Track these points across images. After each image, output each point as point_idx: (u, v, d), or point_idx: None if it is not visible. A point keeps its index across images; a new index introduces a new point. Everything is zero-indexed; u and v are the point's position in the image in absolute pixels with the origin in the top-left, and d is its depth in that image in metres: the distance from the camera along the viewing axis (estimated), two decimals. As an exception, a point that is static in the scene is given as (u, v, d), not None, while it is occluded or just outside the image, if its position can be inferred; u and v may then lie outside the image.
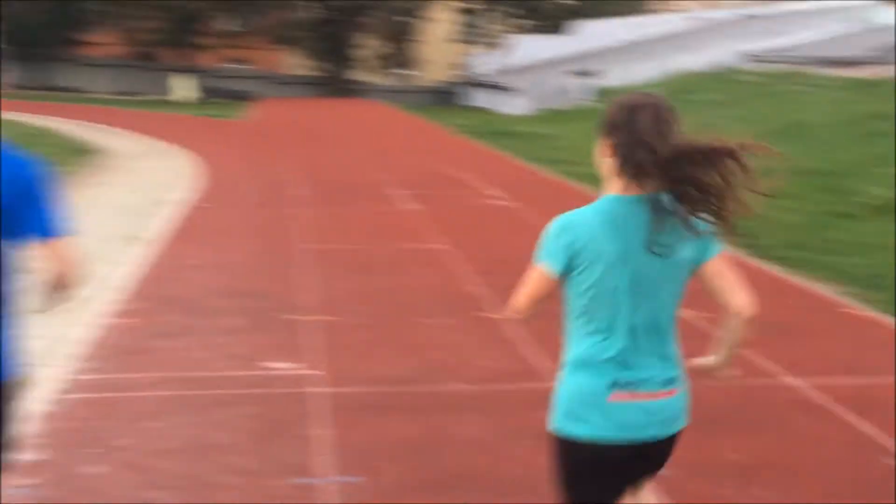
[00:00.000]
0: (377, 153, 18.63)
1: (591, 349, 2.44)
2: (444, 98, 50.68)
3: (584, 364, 2.45)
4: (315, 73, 54.56)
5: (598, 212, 2.43)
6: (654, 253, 2.36)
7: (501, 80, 39.24)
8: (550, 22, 55.10)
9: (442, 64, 59.78)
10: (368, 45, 53.77)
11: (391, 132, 25.07)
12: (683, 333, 2.56)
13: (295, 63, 56.69)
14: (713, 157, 2.40)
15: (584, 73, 35.50)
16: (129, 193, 12.48)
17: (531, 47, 46.97)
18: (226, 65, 54.04)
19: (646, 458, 2.49)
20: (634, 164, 2.37)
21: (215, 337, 5.94)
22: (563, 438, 2.47)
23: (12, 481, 3.82)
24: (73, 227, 2.63)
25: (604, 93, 33.12)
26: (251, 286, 7.37)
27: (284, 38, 52.76)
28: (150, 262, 8.12)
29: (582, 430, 2.41)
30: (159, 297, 6.88)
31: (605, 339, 2.42)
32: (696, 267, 2.44)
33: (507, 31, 55.16)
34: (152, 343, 5.79)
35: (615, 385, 2.40)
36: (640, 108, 2.46)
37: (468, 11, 57.33)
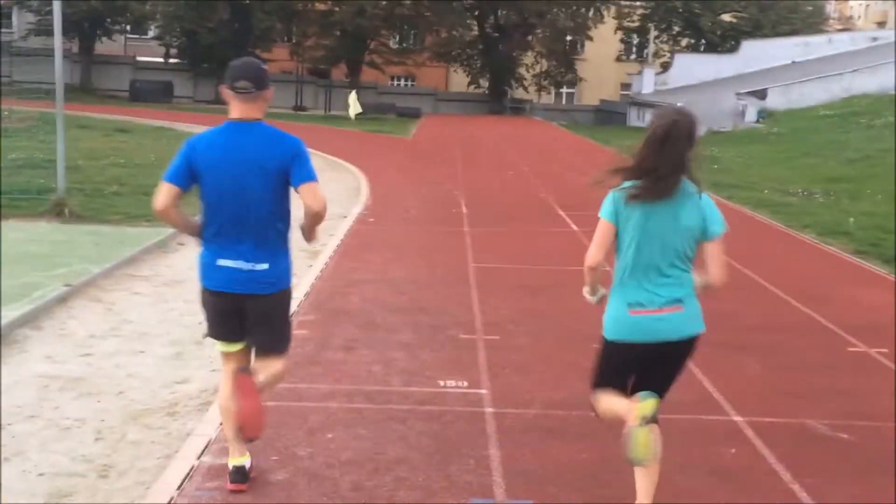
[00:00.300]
0: (540, 172, 18.63)
1: (618, 282, 3.87)
2: (605, 117, 50.22)
3: (615, 293, 3.89)
4: (477, 91, 55.12)
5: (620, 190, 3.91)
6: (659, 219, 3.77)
7: (663, 100, 38.52)
8: (714, 40, 53.79)
9: (605, 83, 59.31)
10: (532, 64, 53.92)
11: (553, 151, 25.02)
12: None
13: (458, 80, 57.48)
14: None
15: (748, 94, 34.39)
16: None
17: (694, 67, 46.01)
18: (391, 82, 55.40)
19: (665, 354, 3.82)
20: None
21: (387, 351, 6.07)
22: (606, 340, 3.93)
23: (196, 484, 4.02)
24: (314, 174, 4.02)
25: (769, 114, 32.01)
26: (419, 302, 7.50)
27: (448, 55, 53.61)
28: (322, 274, 8.39)
29: (614, 335, 3.87)
30: (333, 310, 7.09)
31: (624, 276, 3.84)
32: (698, 234, 3.84)
33: (671, 51, 54.20)
34: (327, 355, 5.97)
35: (632, 304, 3.79)
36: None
37: (632, 30, 56.70)
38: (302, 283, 8.05)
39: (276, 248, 4.08)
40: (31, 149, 16.02)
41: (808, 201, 14.98)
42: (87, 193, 12.25)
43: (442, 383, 5.46)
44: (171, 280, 8.30)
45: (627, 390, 3.85)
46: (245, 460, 4.05)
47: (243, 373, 3.96)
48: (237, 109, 3.94)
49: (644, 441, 3.62)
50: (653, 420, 3.63)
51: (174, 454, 4.44)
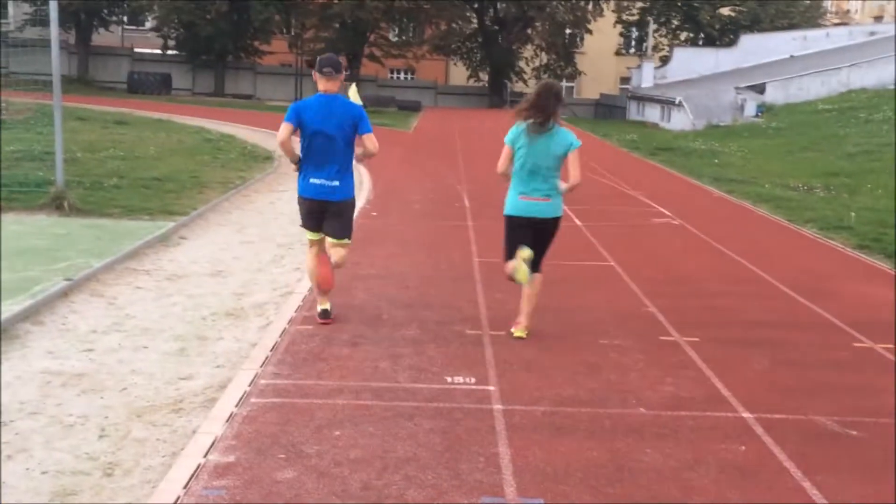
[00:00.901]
0: (539, 166, 18.56)
1: (515, 180, 6.28)
2: (605, 111, 50.19)
3: (513, 187, 6.30)
4: (477, 84, 55.03)
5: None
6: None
7: (663, 94, 38.44)
8: (713, 34, 53.72)
9: (604, 77, 59.25)
10: (531, 57, 53.81)
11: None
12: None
13: (458, 73, 57.39)
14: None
15: (748, 89, 34.33)
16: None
17: (693, 61, 45.96)
18: (391, 75, 55.29)
19: (538, 228, 6.24)
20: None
21: (395, 347, 6.02)
22: (505, 216, 6.31)
23: (203, 482, 3.98)
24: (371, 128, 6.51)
25: (768, 109, 31.95)
26: (425, 297, 7.45)
27: (448, 49, 53.46)
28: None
29: (509, 212, 6.32)
30: (337, 305, 7.04)
31: (519, 176, 6.24)
32: (563, 153, 6.21)
33: (670, 44, 54.13)
34: (335, 351, 5.92)
35: (521, 194, 6.22)
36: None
37: (631, 24, 56.58)
38: (304, 280, 8.01)
39: (346, 172, 6.47)
40: (30, 141, 15.93)
41: (808, 196, 14.94)
42: (87, 186, 12.18)
43: (449, 380, 5.42)
44: (172, 274, 8.25)
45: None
46: (327, 305, 6.57)
47: (321, 251, 6.57)
48: (323, 85, 6.41)
49: (523, 270, 6.14)
50: (533, 269, 6.27)
51: (180, 452, 4.39)
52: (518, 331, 6.35)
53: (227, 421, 4.69)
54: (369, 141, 6.43)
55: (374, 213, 11.82)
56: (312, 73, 6.52)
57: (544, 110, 6.14)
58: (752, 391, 5.40)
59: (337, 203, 6.42)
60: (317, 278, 6.55)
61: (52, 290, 7.08)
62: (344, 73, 6.69)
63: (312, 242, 6.60)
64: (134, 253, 8.83)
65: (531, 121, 6.16)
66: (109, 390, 5.24)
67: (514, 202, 6.29)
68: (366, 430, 4.61)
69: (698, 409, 5.09)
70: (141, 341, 6.20)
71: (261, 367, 5.55)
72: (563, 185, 6.30)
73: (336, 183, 6.38)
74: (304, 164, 6.42)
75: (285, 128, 6.29)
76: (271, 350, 5.89)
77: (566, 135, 6.25)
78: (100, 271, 7.95)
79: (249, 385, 5.21)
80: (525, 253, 6.13)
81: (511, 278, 6.28)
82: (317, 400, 5.03)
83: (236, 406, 4.88)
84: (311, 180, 6.38)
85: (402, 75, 56.45)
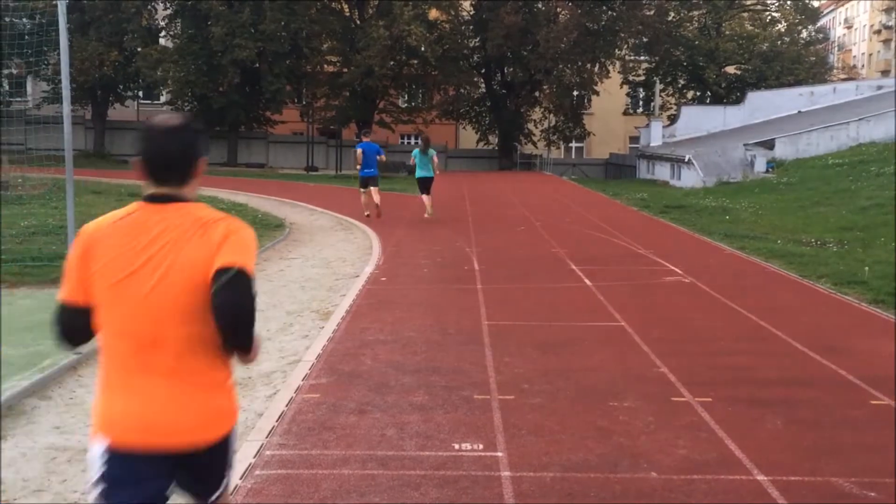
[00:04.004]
0: (551, 227, 18.60)
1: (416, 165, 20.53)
2: (615, 170, 50.42)
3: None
4: (487, 147, 55.49)
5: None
6: None
7: (672, 152, 38.63)
8: (720, 92, 54.16)
9: (613, 136, 59.63)
10: (540, 119, 54.30)
11: (564, 205, 25.02)
12: None
13: (467, 137, 57.89)
14: None
15: (757, 145, 34.45)
16: (315, 268, 12.94)
17: (701, 118, 46.28)
18: (401, 140, 55.83)
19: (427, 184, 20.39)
20: None
21: (402, 415, 5.96)
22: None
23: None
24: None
25: (778, 164, 32.02)
26: (433, 362, 7.40)
27: (457, 113, 54.05)
28: (334, 336, 8.31)
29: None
30: (344, 372, 7.00)
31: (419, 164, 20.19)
32: None
33: (677, 103, 54.58)
34: (340, 419, 5.86)
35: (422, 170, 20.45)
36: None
37: (637, 84, 57.16)
38: (314, 346, 7.98)
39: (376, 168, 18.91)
40: (44, 215, 16.11)
41: (821, 251, 14.87)
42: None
43: (457, 446, 5.35)
44: (181, 345, 8.22)
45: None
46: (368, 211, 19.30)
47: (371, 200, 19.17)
48: (367, 138, 20.22)
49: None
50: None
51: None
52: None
53: (232, 495, 4.62)
54: (382, 157, 19.51)
55: (384, 279, 11.82)
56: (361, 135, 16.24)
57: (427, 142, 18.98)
58: (767, 453, 5.30)
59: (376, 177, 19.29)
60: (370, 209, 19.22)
61: (61, 363, 7.07)
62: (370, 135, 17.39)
63: (363, 194, 19.59)
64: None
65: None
66: (114, 465, 5.19)
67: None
68: (372, 501, 4.53)
69: (712, 472, 4.99)
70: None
71: (266, 437, 5.49)
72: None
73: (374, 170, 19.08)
74: (362, 167, 19.16)
75: (358, 152, 19.49)
76: (277, 420, 5.84)
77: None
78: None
79: (255, 457, 5.15)
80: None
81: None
82: (322, 470, 4.96)
83: (241, 479, 4.82)
84: (365, 171, 19.11)
85: (412, 140, 57.03)
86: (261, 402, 6.45)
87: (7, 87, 44.60)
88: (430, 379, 6.86)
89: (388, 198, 24.88)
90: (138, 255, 2.76)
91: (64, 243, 11.40)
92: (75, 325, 2.85)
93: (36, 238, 13.60)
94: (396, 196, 26.48)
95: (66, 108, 10.93)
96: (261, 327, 9.04)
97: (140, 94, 54.70)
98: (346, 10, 49.97)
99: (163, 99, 53.98)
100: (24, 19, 37.85)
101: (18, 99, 48.19)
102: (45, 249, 12.30)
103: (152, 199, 2.85)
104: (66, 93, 10.92)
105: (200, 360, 2.82)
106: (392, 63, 47.18)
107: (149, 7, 48.42)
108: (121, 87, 50.67)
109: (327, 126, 50.78)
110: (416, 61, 49.07)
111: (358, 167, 19.64)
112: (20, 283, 10.59)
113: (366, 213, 19.49)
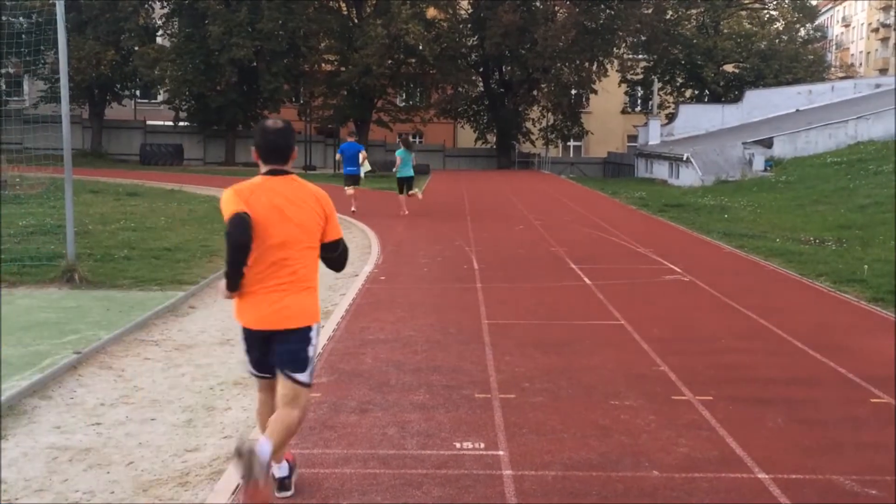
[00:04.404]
0: (550, 226, 18.60)
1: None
2: (614, 169, 50.43)
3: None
4: (485, 146, 55.47)
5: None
6: None
7: (670, 151, 38.63)
8: (718, 90, 54.19)
9: (611, 135, 59.63)
10: (538, 118, 54.28)
11: (563, 204, 25.03)
12: None
13: (465, 136, 57.89)
14: None
15: (755, 143, 34.46)
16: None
17: (699, 117, 46.29)
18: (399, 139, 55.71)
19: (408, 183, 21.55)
20: None
21: (402, 414, 5.95)
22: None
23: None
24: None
25: (777, 163, 32.03)
26: (433, 361, 7.40)
27: (455, 112, 54.00)
28: (334, 335, 8.31)
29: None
30: (345, 371, 6.99)
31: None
32: None
33: (675, 102, 54.59)
34: (341, 418, 5.86)
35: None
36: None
37: (636, 83, 57.16)
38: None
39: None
40: (42, 215, 16.09)
41: (820, 249, 14.88)
42: (98, 258, 12.25)
43: (458, 445, 5.34)
44: (181, 344, 8.23)
45: None
46: None
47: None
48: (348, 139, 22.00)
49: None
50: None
51: (186, 526, 4.32)
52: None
53: (234, 493, 4.63)
54: (364, 155, 20.30)
55: (383, 278, 11.81)
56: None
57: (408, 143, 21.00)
58: (768, 451, 5.30)
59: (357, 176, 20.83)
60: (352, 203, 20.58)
61: (61, 363, 7.06)
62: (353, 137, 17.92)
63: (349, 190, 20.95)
64: (143, 324, 8.83)
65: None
66: (116, 465, 5.19)
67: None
68: (373, 500, 4.53)
69: (713, 470, 4.99)
70: (148, 413, 6.16)
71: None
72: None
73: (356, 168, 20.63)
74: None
75: (338, 156, 21.68)
76: (279, 419, 5.82)
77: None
78: (108, 343, 7.94)
79: (256, 456, 5.13)
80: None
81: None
82: (324, 470, 4.96)
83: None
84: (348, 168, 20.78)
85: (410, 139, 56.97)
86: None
87: (4, 87, 44.57)
88: (430, 378, 6.86)
89: (387, 196, 24.90)
90: (277, 205, 4.33)
91: (62, 242, 11.39)
92: (246, 227, 4.17)
93: (34, 237, 13.59)
94: (394, 195, 26.47)
95: (65, 107, 10.92)
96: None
97: (137, 92, 54.65)
98: (344, 8, 49.92)
99: (160, 98, 53.95)
100: (21, 18, 37.84)
101: (16, 98, 48.19)
102: (43, 249, 12.29)
103: (272, 173, 4.44)
104: (64, 92, 10.91)
105: (305, 274, 4.42)
106: (390, 62, 47.14)
107: (146, 6, 48.34)
108: (118, 86, 50.60)
109: (325, 125, 50.74)
110: (413, 60, 49.02)
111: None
112: (19, 283, 10.58)
113: (352, 210, 20.33)
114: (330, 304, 10.04)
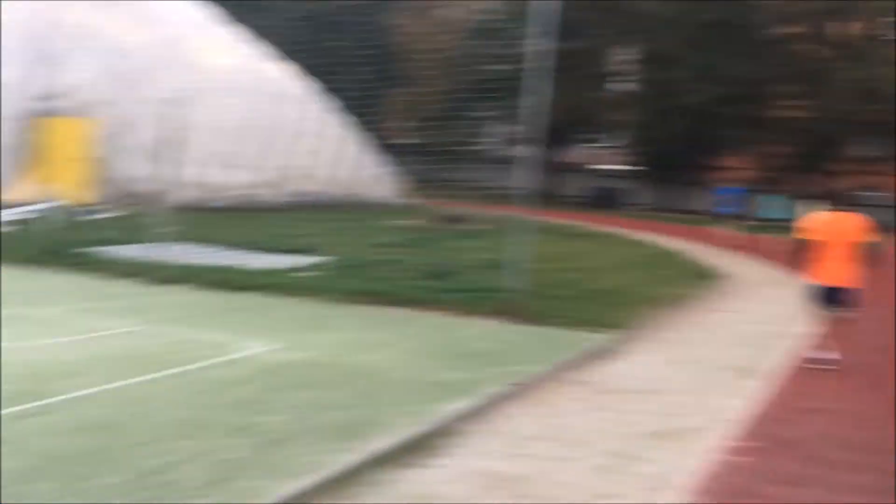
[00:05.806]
0: None
1: None
2: None
3: None
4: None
5: None
6: None
7: None
8: None
9: None
10: None
11: None
12: None
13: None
14: None
15: None
16: (747, 323, 12.37)
17: None
18: (855, 192, 51.73)
19: None
20: None
21: (830, 493, 5.42)
22: None
23: None
24: None
25: None
26: (873, 441, 6.66)
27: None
28: (765, 398, 7.84)
29: None
30: (774, 438, 6.55)
31: None
32: None
33: None
34: (763, 488, 5.48)
35: None
36: None
37: None
38: (742, 405, 7.58)
39: None
40: (492, 250, 17.24)
41: None
42: (539, 295, 12.76)
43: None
44: (610, 388, 8.27)
45: None
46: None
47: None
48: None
49: None
50: None
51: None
52: None
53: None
54: None
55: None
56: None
57: None
58: None
59: None
60: None
61: (492, 392, 7.45)
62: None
63: None
64: (574, 363, 9.04)
65: None
66: (531, 497, 5.30)
67: None
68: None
69: None
70: (567, 452, 6.24)
71: (684, 494, 5.28)
72: None
73: None
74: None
75: None
76: (696, 477, 5.60)
77: None
78: (539, 378, 8.23)
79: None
80: None
81: None
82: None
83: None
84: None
85: (869, 193, 52.47)
86: (682, 458, 6.24)
87: (473, 130, 48.80)
88: (870, 459, 6.16)
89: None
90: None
91: (507, 277, 11.99)
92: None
93: (483, 271, 14.54)
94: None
95: (533, 151, 11.63)
96: (690, 380, 8.81)
97: (590, 137, 56.65)
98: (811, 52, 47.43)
99: (613, 142, 55.38)
100: (496, 66, 41.18)
101: (480, 140, 52.53)
102: (489, 282, 13.07)
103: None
104: (536, 136, 11.61)
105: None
106: (856, 108, 43.86)
107: (608, 51, 50.11)
108: (573, 129, 52.94)
109: (771, 174, 48.44)
110: (880, 106, 45.07)
111: None
112: (463, 314, 11.34)
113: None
114: (759, 363, 9.48)
